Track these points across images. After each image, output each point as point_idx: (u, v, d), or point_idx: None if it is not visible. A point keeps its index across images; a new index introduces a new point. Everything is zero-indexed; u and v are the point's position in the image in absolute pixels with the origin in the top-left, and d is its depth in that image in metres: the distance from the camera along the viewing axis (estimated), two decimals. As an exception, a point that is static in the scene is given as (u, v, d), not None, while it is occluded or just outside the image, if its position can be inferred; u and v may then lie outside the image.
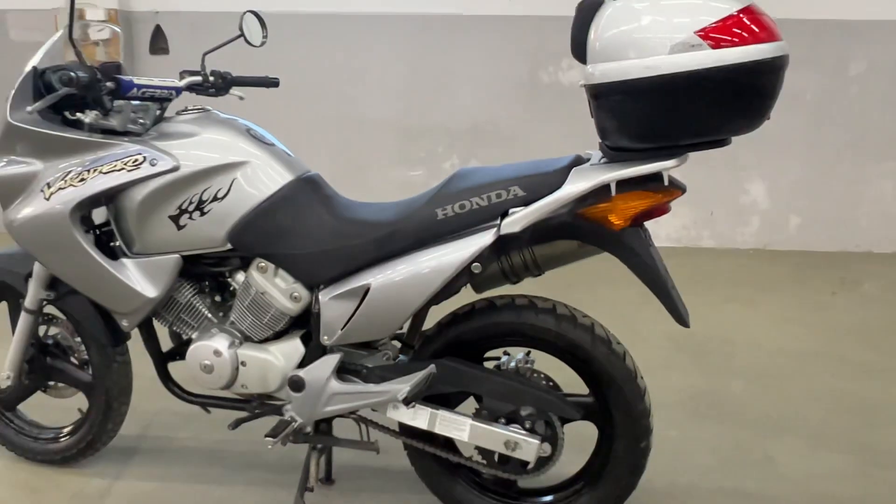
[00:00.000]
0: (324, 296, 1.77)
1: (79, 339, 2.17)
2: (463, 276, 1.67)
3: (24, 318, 2.07)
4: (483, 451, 1.83)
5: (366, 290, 1.72)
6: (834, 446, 2.42)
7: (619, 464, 1.79)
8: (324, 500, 2.09)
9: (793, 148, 4.64)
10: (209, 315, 1.92)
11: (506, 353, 1.89)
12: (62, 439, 2.21)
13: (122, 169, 1.78)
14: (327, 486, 2.16)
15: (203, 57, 2.00)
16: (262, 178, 1.79)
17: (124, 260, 1.86)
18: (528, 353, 1.87)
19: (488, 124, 4.76)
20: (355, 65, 4.73)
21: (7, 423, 2.27)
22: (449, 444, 1.90)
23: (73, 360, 2.18)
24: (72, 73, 1.75)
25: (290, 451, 2.24)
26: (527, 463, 1.78)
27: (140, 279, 1.85)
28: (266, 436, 1.83)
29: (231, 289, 1.94)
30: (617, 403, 1.75)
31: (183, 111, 1.90)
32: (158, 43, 4.78)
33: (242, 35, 2.00)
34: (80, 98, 1.84)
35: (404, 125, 4.78)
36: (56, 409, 2.29)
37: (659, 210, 1.61)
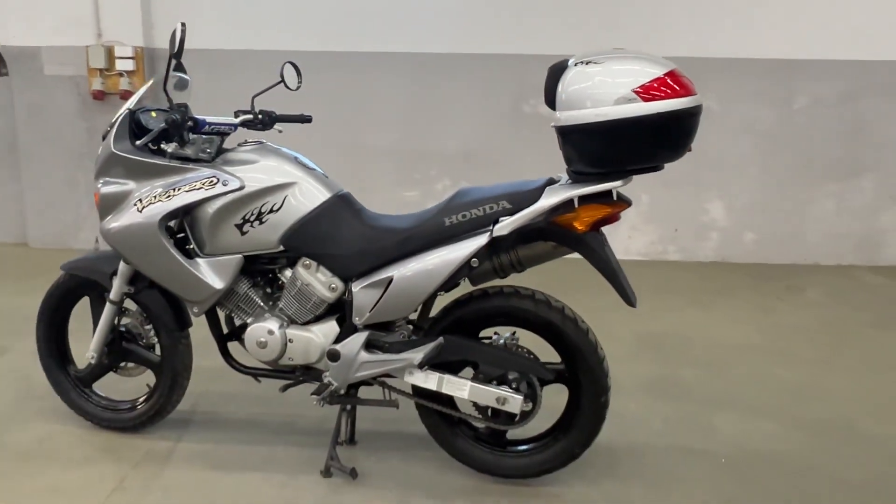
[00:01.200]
0: (355, 286, 2.29)
1: (149, 327, 2.67)
2: (464, 270, 2.19)
3: (108, 309, 2.58)
4: (479, 407, 2.35)
5: (389, 281, 2.24)
6: (766, 417, 2.95)
7: (585, 415, 2.31)
8: (351, 455, 2.58)
9: (748, 172, 5.22)
10: (261, 303, 2.43)
11: (496, 334, 2.40)
12: (138, 407, 2.70)
13: (201, 188, 2.30)
14: (351, 446, 2.65)
15: (252, 99, 2.52)
16: (308, 195, 2.31)
17: (198, 259, 2.37)
18: (513, 334, 2.39)
19: (477, 150, 5.31)
20: (360, 98, 5.27)
21: (87, 398, 2.75)
22: (451, 403, 2.41)
23: (142, 344, 2.68)
24: (174, 116, 2.27)
25: (319, 421, 2.76)
26: (514, 416, 2.30)
27: (210, 274, 2.36)
28: (312, 394, 2.36)
29: (279, 283, 2.44)
30: (583, 368, 2.27)
31: (244, 143, 2.42)
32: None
33: (283, 81, 2.49)
34: (164, 132, 2.37)
35: (402, 151, 5.32)
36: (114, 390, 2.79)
37: (612, 218, 2.14)
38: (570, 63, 2.02)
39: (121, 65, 5.11)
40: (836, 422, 2.92)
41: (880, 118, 5.08)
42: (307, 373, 2.45)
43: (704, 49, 5.05)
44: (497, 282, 2.31)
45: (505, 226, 2.13)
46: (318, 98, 5.22)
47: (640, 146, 1.99)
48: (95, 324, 2.67)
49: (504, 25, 5.13)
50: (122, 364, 2.71)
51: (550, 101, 2.07)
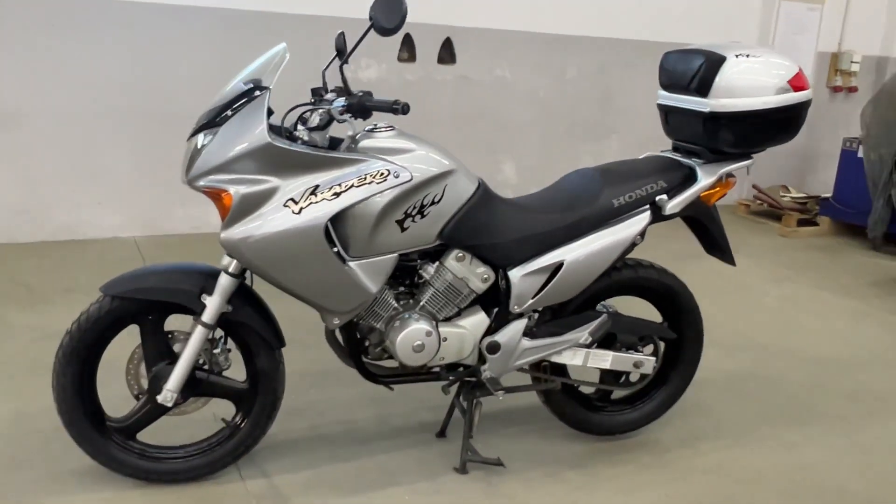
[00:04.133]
0: (514, 274, 2.25)
1: (218, 350, 2.22)
2: (629, 248, 2.32)
3: (199, 335, 2.08)
4: (609, 374, 2.50)
5: (559, 266, 2.25)
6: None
7: (686, 365, 2.62)
8: (483, 445, 2.49)
9: (531, 135, 5.86)
10: (396, 304, 2.22)
11: (602, 306, 2.55)
12: (216, 449, 2.23)
13: (372, 182, 2.01)
14: (442, 438, 2.58)
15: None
16: (463, 183, 2.17)
17: (350, 263, 2.06)
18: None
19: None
20: (161, 58, 4.57)
21: (132, 450, 2.18)
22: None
23: (218, 371, 2.22)
24: (362, 100, 1.95)
25: (404, 419, 2.63)
26: (646, 376, 2.50)
27: (366, 278, 2.08)
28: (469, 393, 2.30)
29: (417, 280, 2.24)
30: (688, 324, 2.57)
31: (374, 129, 2.14)
32: None
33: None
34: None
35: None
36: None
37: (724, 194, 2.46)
38: (729, 56, 2.26)
39: None
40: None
41: (624, 88, 6.11)
42: (453, 369, 2.32)
43: (499, 21, 5.49)
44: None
45: (677, 204, 2.31)
46: (109, 57, 4.42)
47: (778, 130, 2.34)
48: (149, 357, 2.14)
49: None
50: (186, 400, 2.21)
51: (702, 86, 2.27)
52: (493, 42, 5.51)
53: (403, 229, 2.09)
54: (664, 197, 2.32)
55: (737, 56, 2.26)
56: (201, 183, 1.96)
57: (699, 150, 2.40)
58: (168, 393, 2.09)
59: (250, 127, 1.94)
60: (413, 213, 2.09)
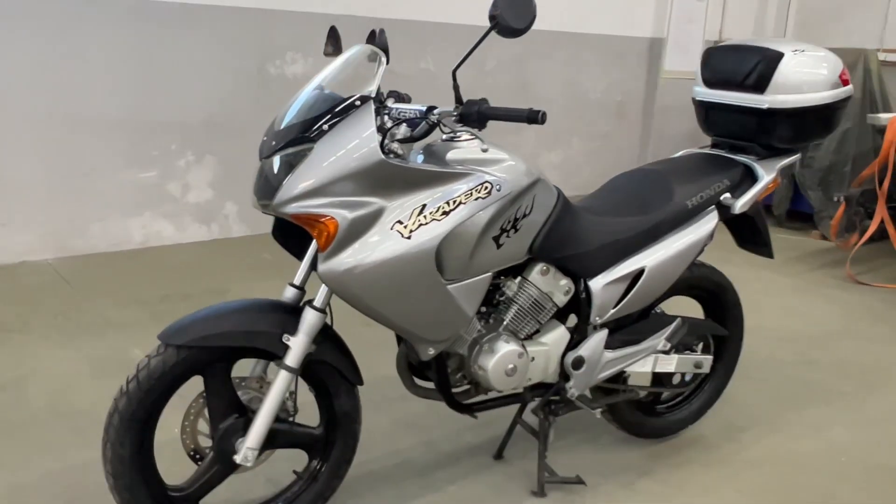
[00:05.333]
0: (595, 284, 2.14)
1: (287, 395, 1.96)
2: (702, 249, 2.27)
3: (284, 380, 1.81)
4: (662, 377, 2.46)
5: (640, 272, 2.17)
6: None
7: (729, 358, 2.63)
8: (554, 462, 2.35)
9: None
10: (479, 326, 2.05)
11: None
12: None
13: (479, 197, 1.82)
14: (500, 460, 2.44)
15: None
16: (548, 193, 2.03)
17: (448, 287, 1.87)
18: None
19: (220, 118, 4.62)
20: (63, 52, 4.03)
21: (198, 519, 1.88)
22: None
23: (288, 419, 1.96)
24: (480, 107, 1.75)
25: (453, 439, 2.47)
26: (700, 375, 2.48)
27: (464, 302, 1.90)
28: (546, 412, 2.19)
29: (500, 297, 2.08)
30: (733, 319, 2.58)
31: (455, 138, 1.94)
32: None
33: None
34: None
35: (132, 123, 4.29)
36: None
37: (769, 189, 2.48)
38: (786, 51, 2.26)
39: None
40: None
41: (541, 79, 6.13)
42: (535, 389, 2.18)
43: (423, 13, 5.32)
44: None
45: (746, 202, 2.28)
46: (20, 51, 3.84)
47: (826, 124, 2.37)
48: (215, 411, 1.85)
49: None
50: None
51: (760, 83, 2.27)
52: (419, 34, 5.33)
53: (499, 246, 1.92)
54: (728, 195, 2.30)
55: (793, 52, 2.27)
56: (292, 209, 1.69)
57: (747, 146, 2.39)
58: (248, 452, 1.80)
59: (357, 142, 1.69)
60: (508, 229, 1.93)
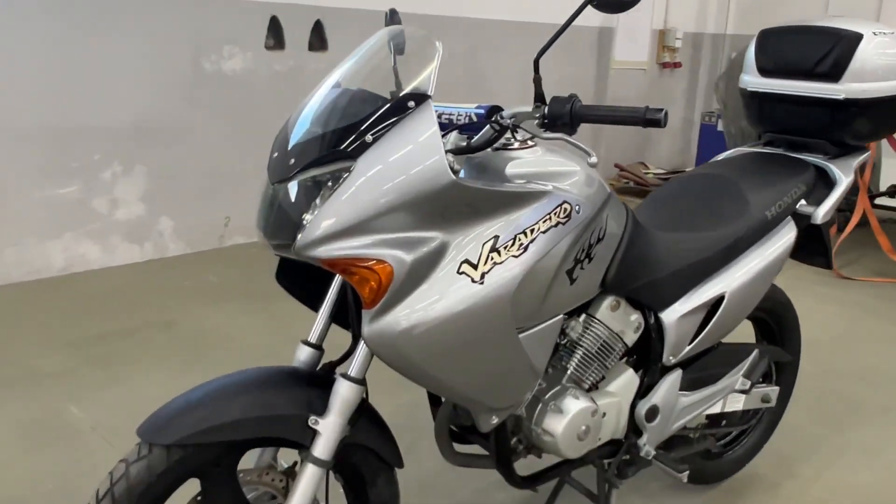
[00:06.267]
0: (668, 316, 1.76)
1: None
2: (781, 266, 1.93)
3: (314, 476, 1.35)
4: (727, 416, 2.12)
5: (719, 299, 1.80)
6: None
7: (786, 384, 2.31)
8: None
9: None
10: (540, 379, 1.64)
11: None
12: None
13: (558, 223, 1.40)
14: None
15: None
16: (619, 210, 1.64)
17: (520, 335, 1.44)
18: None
19: (151, 123, 4.03)
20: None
21: None
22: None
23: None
24: (574, 104, 1.32)
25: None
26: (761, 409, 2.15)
27: (532, 355, 1.48)
28: (616, 477, 1.77)
29: (561, 341, 1.67)
30: (791, 342, 2.26)
31: (509, 144, 1.51)
32: None
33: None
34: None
35: (47, 131, 3.67)
36: None
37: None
38: (866, 33, 1.93)
39: None
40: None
41: (496, 70, 5.75)
42: (602, 450, 1.78)
43: (369, 2, 4.85)
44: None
45: (828, 210, 1.94)
46: None
47: (898, 118, 2.07)
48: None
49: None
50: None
51: (836, 70, 1.94)
52: (366, 25, 4.85)
53: (572, 281, 1.51)
54: (803, 202, 1.96)
55: (874, 34, 1.94)
56: (324, 252, 1.22)
57: (812, 142, 2.06)
58: (274, 572, 1.35)
59: (418, 157, 1.24)
60: (581, 258, 1.52)
